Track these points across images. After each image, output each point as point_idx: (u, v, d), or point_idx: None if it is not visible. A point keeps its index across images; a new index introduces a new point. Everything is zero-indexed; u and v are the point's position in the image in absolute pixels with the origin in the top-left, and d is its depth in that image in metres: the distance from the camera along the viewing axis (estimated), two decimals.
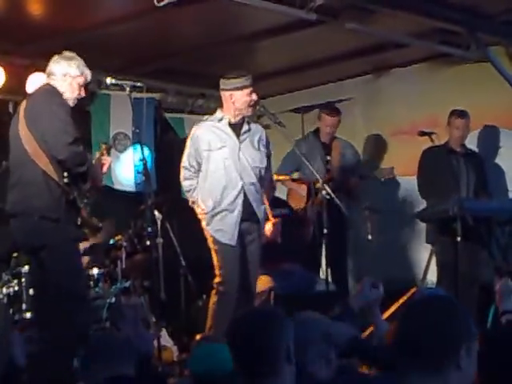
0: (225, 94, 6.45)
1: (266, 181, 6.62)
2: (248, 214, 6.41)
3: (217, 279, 6.37)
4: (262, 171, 6.54)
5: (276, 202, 7.54)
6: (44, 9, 7.13)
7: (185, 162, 6.51)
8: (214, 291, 6.40)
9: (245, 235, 6.42)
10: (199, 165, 6.44)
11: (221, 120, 6.45)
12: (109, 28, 7.35)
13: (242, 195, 6.37)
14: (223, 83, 6.46)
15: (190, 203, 6.59)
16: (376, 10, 7.18)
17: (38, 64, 5.91)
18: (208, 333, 6.34)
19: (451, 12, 7.49)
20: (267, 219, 6.69)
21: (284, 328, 3.01)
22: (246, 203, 6.39)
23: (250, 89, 6.39)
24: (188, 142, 6.53)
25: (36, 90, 5.89)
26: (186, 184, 6.54)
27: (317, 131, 8.48)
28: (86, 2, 6.95)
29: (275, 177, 7.46)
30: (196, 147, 6.43)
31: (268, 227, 6.75)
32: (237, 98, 6.39)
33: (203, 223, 6.46)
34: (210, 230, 6.40)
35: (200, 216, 6.48)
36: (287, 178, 8.26)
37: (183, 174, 6.53)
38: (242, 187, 6.37)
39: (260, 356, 2.90)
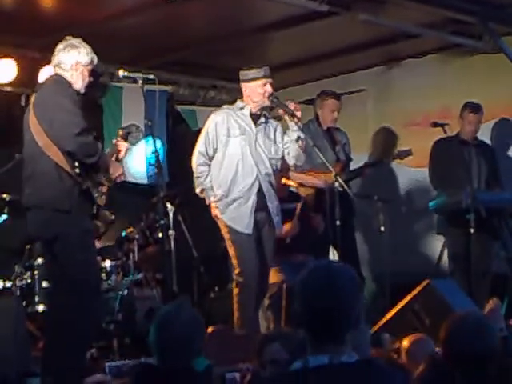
0: (242, 86, 6.49)
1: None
2: (261, 204, 6.41)
3: (236, 270, 6.37)
4: (278, 163, 6.57)
5: (289, 196, 7.54)
6: (55, 2, 7.12)
7: (201, 147, 6.47)
8: (234, 283, 6.40)
9: (259, 225, 6.43)
10: (214, 152, 6.44)
11: (242, 108, 6.47)
12: (121, 20, 7.36)
13: (256, 184, 6.39)
14: (240, 74, 6.49)
15: (198, 192, 6.55)
16: (388, 0, 7.17)
17: (49, 57, 5.89)
18: (236, 324, 6.33)
19: (463, 2, 7.47)
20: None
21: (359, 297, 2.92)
22: (260, 193, 6.40)
23: (263, 80, 6.38)
24: (206, 128, 6.51)
25: (44, 82, 5.84)
26: (199, 169, 6.49)
27: (317, 119, 8.27)
28: None
29: (284, 180, 7.41)
30: (214, 133, 6.43)
31: (286, 228, 7.08)
32: (249, 89, 6.42)
33: (217, 212, 6.44)
34: (224, 218, 6.40)
35: (212, 204, 6.46)
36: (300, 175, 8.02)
37: (198, 159, 6.49)
38: (257, 176, 6.39)
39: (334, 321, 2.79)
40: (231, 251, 6.39)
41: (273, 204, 6.50)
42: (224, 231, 6.44)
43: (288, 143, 6.51)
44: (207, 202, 6.52)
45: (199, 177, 6.51)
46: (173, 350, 3.60)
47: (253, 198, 6.37)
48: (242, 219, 6.35)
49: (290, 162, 6.62)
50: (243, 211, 6.36)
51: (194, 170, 6.52)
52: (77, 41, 5.70)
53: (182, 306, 3.81)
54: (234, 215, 6.37)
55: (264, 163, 6.44)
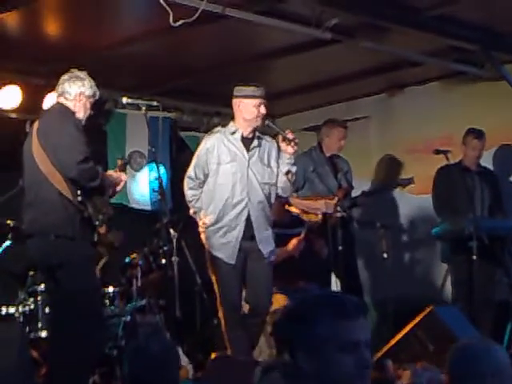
0: (235, 102, 6.35)
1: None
2: (249, 234, 6.27)
3: (218, 300, 6.30)
4: (272, 189, 6.41)
5: (292, 222, 7.56)
6: (60, 29, 7.19)
7: (191, 172, 6.41)
8: (219, 314, 6.33)
9: (247, 254, 6.28)
10: (206, 176, 6.35)
11: (233, 133, 6.35)
12: (125, 48, 7.40)
13: (245, 213, 6.25)
14: (235, 90, 6.35)
15: (191, 214, 6.53)
16: (390, 28, 7.21)
17: (54, 83, 5.95)
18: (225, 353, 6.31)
19: (465, 30, 7.51)
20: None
21: None
22: (249, 222, 6.26)
23: (259, 100, 6.25)
24: (197, 154, 6.43)
25: (48, 110, 5.91)
26: (189, 194, 6.45)
27: (319, 146, 8.31)
28: (102, 22, 7.02)
29: (287, 206, 7.43)
30: (205, 159, 6.33)
31: (293, 242, 7.02)
32: (244, 106, 6.27)
33: (203, 236, 6.38)
34: (209, 245, 6.31)
35: (200, 229, 6.40)
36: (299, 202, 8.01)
37: (187, 183, 6.44)
38: (247, 205, 6.25)
39: None
40: (213, 279, 6.32)
41: (261, 234, 6.31)
42: (208, 257, 6.37)
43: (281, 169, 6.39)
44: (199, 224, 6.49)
45: (191, 201, 6.47)
46: (144, 382, 3.59)
47: (240, 226, 6.24)
48: (227, 249, 6.24)
49: (278, 191, 6.46)
50: (228, 240, 6.24)
51: (186, 194, 6.48)
52: (82, 73, 5.79)
53: (152, 337, 3.77)
54: (219, 244, 6.26)
55: (256, 191, 6.29)
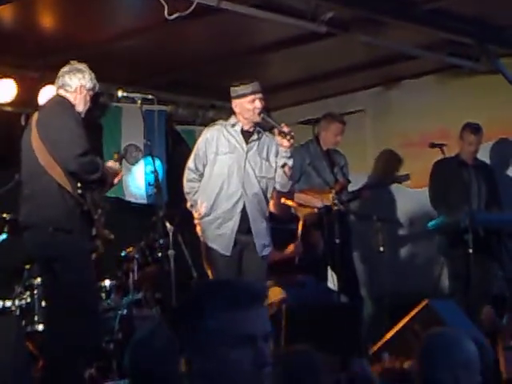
0: (232, 102, 6.38)
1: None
2: (245, 226, 6.27)
3: None
4: (270, 183, 6.40)
5: (290, 217, 7.56)
6: (56, 22, 7.18)
7: (191, 163, 6.43)
8: None
9: (242, 246, 6.29)
10: (204, 168, 6.37)
11: (234, 126, 6.36)
12: (120, 41, 7.40)
13: (240, 204, 6.25)
14: (230, 91, 6.36)
15: (188, 206, 6.53)
16: (386, 22, 7.21)
17: (49, 77, 5.95)
18: None
19: (461, 24, 7.51)
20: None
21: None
22: (244, 214, 6.26)
23: (253, 96, 6.24)
24: (197, 144, 6.46)
25: (47, 102, 5.89)
26: (188, 185, 6.46)
27: (316, 140, 8.32)
28: (98, 15, 7.01)
29: (282, 200, 7.43)
30: (204, 150, 6.35)
31: (291, 248, 7.10)
32: (239, 105, 6.29)
33: (198, 228, 6.39)
34: (204, 237, 6.33)
35: (196, 221, 6.41)
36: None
37: (187, 175, 6.45)
38: (242, 196, 6.26)
39: None
40: (209, 272, 6.34)
41: (257, 226, 6.32)
42: (203, 249, 6.38)
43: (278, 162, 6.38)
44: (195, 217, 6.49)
45: (189, 193, 6.47)
46: (146, 376, 3.60)
47: (235, 218, 6.24)
48: (222, 240, 6.25)
49: (276, 186, 6.45)
50: (224, 231, 6.25)
51: (184, 185, 6.48)
52: (82, 65, 5.77)
53: (156, 332, 3.79)
54: (215, 235, 6.27)
55: (252, 183, 6.30)
